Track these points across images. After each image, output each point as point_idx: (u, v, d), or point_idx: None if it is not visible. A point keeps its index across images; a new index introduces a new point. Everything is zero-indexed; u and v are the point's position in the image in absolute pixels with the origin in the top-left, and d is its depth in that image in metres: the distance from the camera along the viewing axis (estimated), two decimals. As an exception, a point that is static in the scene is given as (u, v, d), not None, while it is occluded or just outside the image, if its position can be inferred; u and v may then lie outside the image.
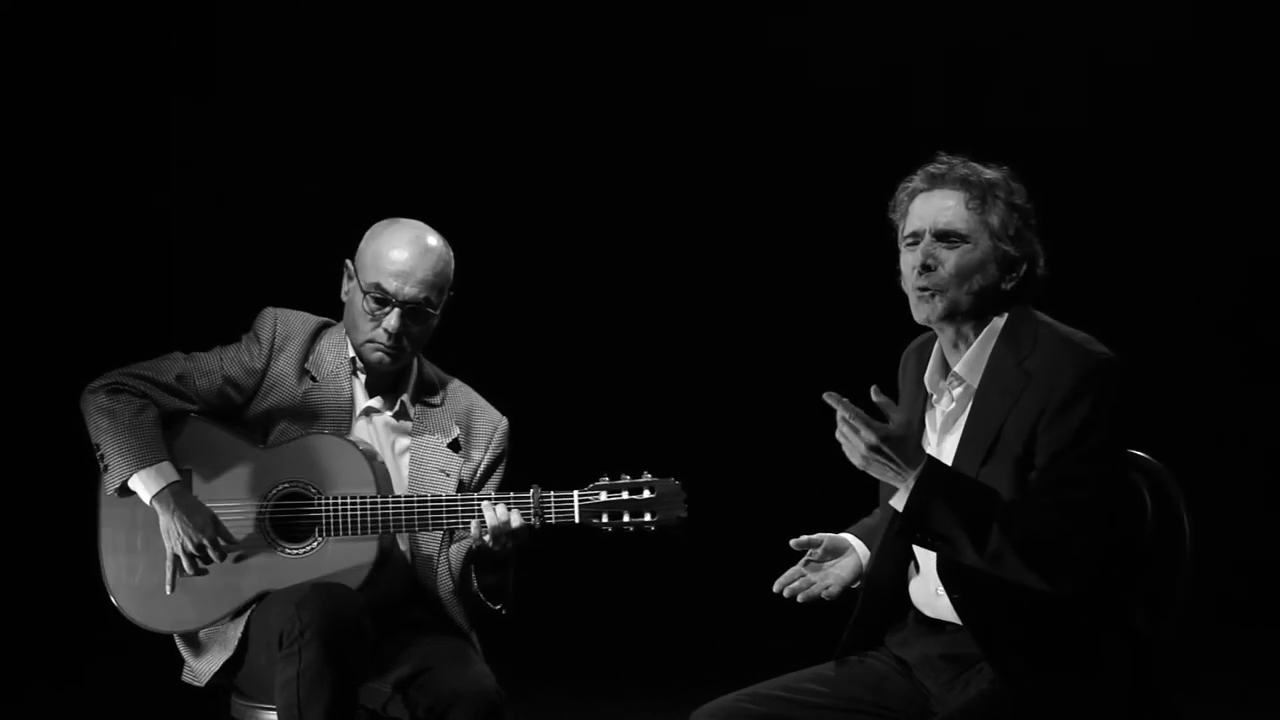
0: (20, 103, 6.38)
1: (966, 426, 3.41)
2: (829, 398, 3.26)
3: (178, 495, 3.88)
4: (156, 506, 3.88)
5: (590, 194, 6.65)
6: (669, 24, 6.65)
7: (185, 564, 3.87)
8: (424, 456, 4.04)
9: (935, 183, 3.46)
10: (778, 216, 6.64)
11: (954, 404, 3.46)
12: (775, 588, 3.60)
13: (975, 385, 3.43)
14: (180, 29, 6.48)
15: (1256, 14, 6.46)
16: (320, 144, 6.51)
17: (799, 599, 3.60)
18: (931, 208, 3.44)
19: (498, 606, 4.02)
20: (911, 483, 3.27)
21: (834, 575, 3.61)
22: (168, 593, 3.90)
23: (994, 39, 6.57)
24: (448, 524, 3.90)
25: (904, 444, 3.27)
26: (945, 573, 3.35)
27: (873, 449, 3.26)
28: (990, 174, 3.45)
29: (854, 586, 3.62)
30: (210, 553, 3.87)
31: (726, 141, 6.68)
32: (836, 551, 3.62)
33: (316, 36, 6.54)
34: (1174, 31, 6.48)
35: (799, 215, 6.60)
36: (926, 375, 3.52)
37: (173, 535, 3.87)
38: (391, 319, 3.96)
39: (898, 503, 3.30)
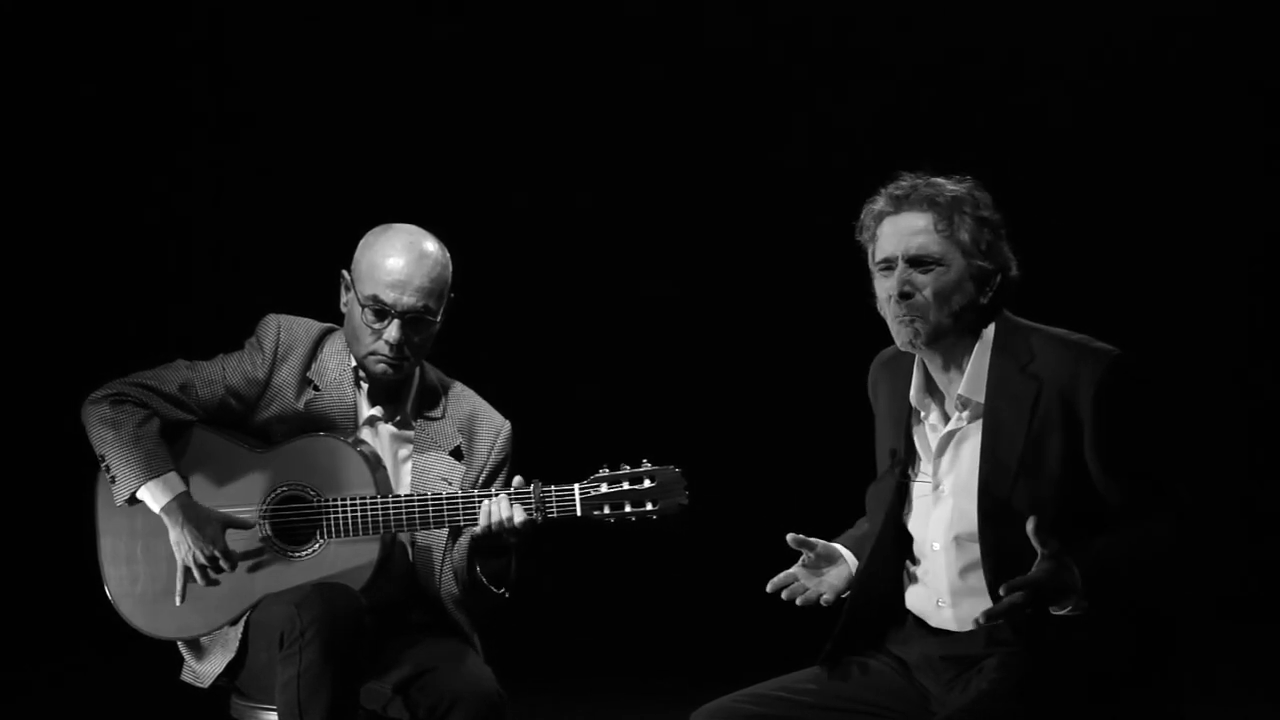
0: (23, 107, 6.39)
1: (984, 448, 3.39)
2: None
3: (186, 507, 3.84)
4: (165, 519, 3.84)
5: (582, 182, 6.66)
6: (660, 22, 6.67)
7: (196, 575, 3.84)
8: (426, 465, 4.00)
9: (900, 205, 3.43)
10: (770, 205, 6.64)
11: (962, 425, 3.44)
12: (769, 588, 3.57)
13: (982, 401, 3.41)
14: (185, 37, 6.50)
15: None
16: (321, 145, 6.52)
17: (797, 602, 3.58)
18: (901, 232, 3.42)
19: (501, 590, 3.98)
20: (1084, 604, 3.25)
21: (828, 584, 3.58)
22: (177, 603, 3.88)
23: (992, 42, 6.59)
24: (449, 522, 3.87)
25: (1054, 586, 3.23)
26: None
27: (1027, 604, 3.22)
28: (954, 189, 3.43)
29: (844, 596, 3.60)
30: (222, 564, 3.84)
31: (717, 132, 6.69)
32: (829, 559, 3.60)
33: (319, 39, 6.56)
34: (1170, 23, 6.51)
35: (791, 204, 6.59)
36: (913, 395, 3.50)
37: (183, 548, 3.84)
38: (392, 330, 3.91)
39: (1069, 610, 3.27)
